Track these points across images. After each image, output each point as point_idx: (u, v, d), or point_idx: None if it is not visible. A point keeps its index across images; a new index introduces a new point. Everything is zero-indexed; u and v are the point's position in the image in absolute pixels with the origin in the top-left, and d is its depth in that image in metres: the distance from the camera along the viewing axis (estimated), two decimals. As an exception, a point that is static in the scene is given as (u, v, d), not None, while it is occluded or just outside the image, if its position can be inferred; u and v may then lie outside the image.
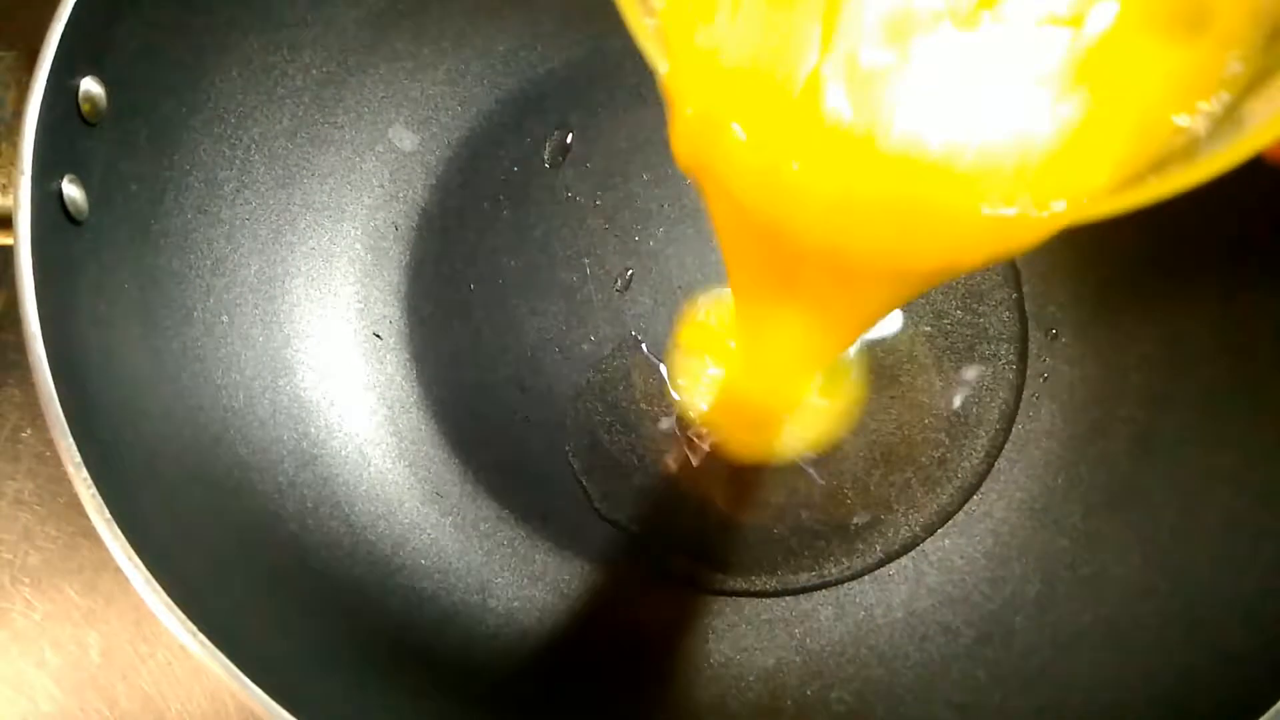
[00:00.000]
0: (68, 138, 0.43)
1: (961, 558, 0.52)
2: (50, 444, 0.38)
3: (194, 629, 0.35)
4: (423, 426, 0.55)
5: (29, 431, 0.60)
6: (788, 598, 0.52)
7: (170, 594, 0.36)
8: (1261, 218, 0.47)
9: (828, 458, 0.54)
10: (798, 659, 0.51)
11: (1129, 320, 0.53)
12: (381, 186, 0.59)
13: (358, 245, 0.57)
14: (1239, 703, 0.37)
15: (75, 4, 0.42)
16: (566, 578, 0.52)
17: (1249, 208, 0.45)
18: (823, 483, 0.54)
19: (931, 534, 0.53)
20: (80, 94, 0.44)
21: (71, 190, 0.43)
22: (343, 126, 0.58)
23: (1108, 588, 0.48)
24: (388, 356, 0.56)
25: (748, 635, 0.51)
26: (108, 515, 0.37)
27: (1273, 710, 0.36)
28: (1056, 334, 0.55)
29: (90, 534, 0.41)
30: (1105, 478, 0.51)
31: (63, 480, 0.51)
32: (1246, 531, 0.45)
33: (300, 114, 0.56)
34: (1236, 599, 0.43)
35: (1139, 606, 0.46)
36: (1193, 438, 0.49)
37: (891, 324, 0.56)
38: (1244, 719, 0.36)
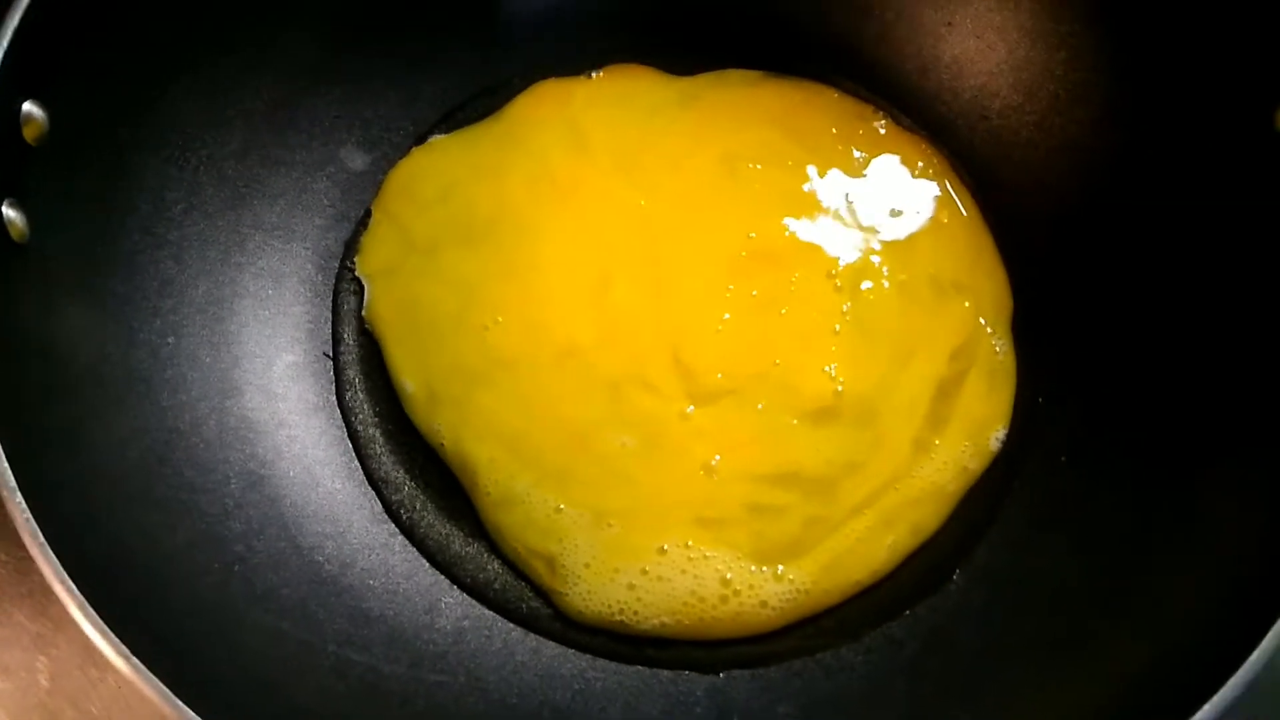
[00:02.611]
0: (8, 160, 0.43)
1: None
2: (-7, 466, 0.38)
3: (128, 652, 0.35)
4: (373, 446, 0.55)
5: (-26, 454, 0.59)
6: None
7: (105, 617, 0.36)
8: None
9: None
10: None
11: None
12: (333, 206, 0.59)
13: (308, 265, 0.57)
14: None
15: (16, 27, 0.43)
16: (515, 597, 0.52)
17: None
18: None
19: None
20: (21, 116, 0.44)
21: (11, 213, 0.43)
22: (294, 147, 0.58)
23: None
24: (338, 376, 0.56)
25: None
26: (41, 539, 0.36)
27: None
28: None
29: (40, 557, 0.41)
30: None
31: (9, 503, 0.51)
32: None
33: (251, 135, 0.56)
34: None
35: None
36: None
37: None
38: None
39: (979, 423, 0.55)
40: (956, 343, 0.56)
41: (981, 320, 0.57)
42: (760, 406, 0.54)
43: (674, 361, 0.55)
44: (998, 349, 0.56)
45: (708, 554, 0.51)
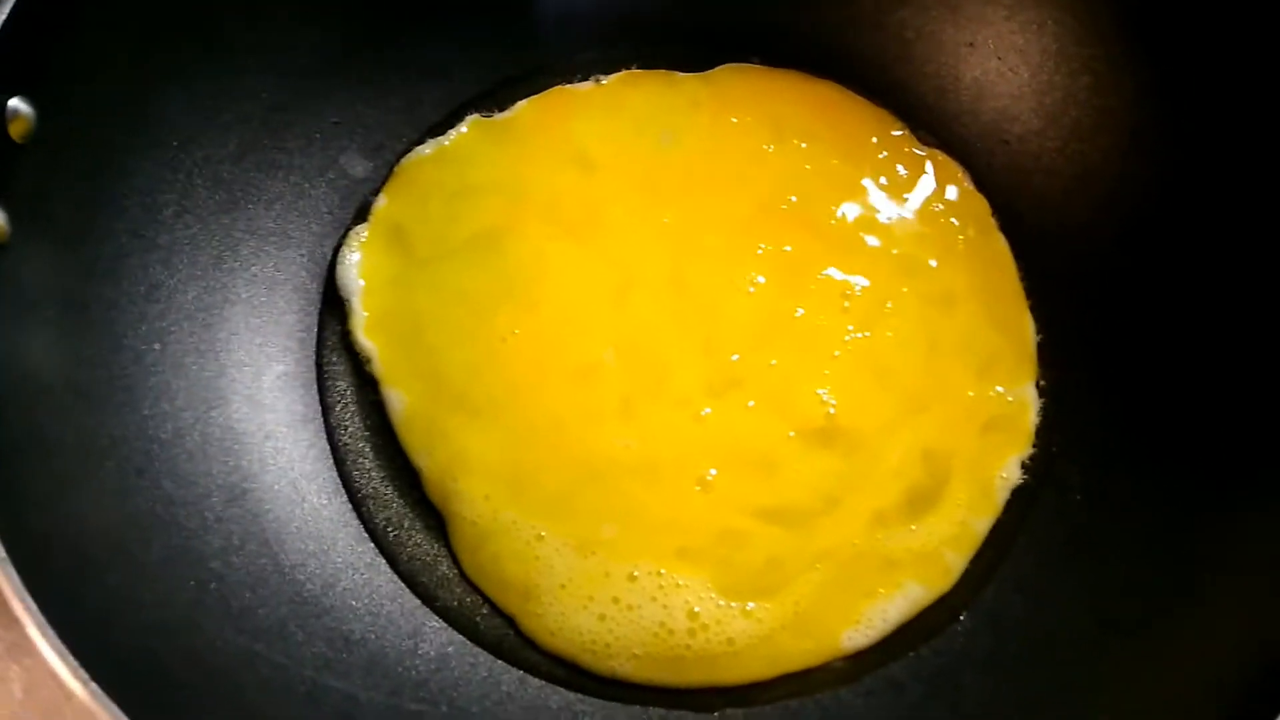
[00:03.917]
0: (-9, 158, 0.42)
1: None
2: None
3: (86, 676, 0.34)
4: (361, 460, 0.53)
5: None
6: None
7: (66, 639, 0.35)
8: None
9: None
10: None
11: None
12: (330, 213, 0.57)
13: (303, 273, 0.56)
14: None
15: (4, 21, 0.41)
16: (502, 624, 0.51)
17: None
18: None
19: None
20: (7, 113, 0.42)
21: (-8, 211, 0.42)
22: (292, 152, 0.56)
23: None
24: (328, 387, 0.55)
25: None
26: (2, 553, 0.35)
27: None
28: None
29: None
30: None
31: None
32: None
33: (248, 138, 0.55)
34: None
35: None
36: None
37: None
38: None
39: (983, 477, 0.53)
40: (968, 393, 0.55)
41: (999, 386, 0.55)
42: (755, 405, 0.53)
43: (704, 345, 0.54)
44: (1010, 398, 0.55)
45: (680, 582, 0.50)
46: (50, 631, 0.34)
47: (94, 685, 0.34)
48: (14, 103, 0.43)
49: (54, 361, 0.44)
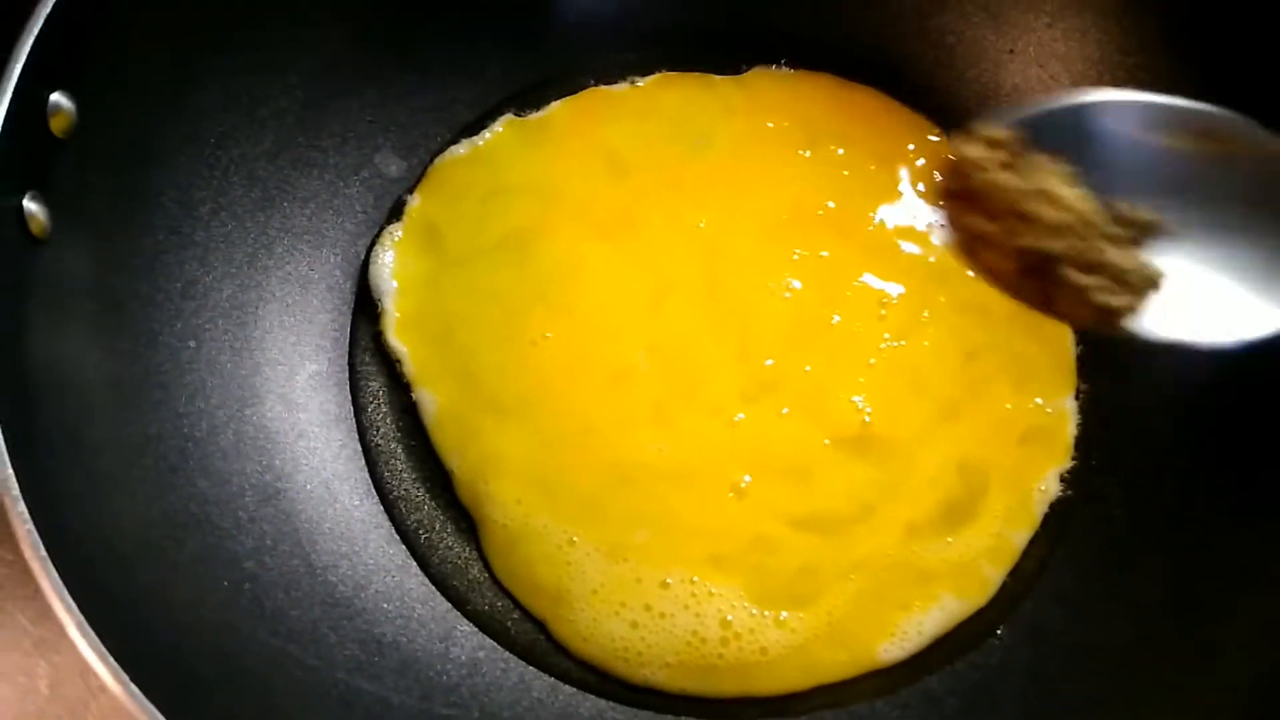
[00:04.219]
0: (33, 153, 0.42)
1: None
2: (0, 466, 0.36)
3: (125, 677, 0.33)
4: (393, 461, 0.53)
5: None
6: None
7: (103, 637, 0.34)
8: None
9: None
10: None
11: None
12: (364, 212, 0.57)
13: (337, 271, 0.56)
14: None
15: (48, 15, 0.41)
16: (533, 629, 0.50)
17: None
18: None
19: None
20: (49, 108, 0.42)
21: (33, 207, 0.41)
22: (327, 150, 0.56)
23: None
24: (360, 387, 0.54)
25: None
26: (43, 552, 0.35)
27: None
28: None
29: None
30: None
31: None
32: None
33: (283, 135, 0.54)
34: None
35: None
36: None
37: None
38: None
39: (1021, 489, 0.52)
40: (1006, 405, 0.54)
41: (1037, 398, 0.54)
42: (789, 412, 0.53)
43: (739, 350, 0.54)
44: (1049, 409, 0.54)
45: (712, 590, 0.49)
46: (88, 629, 0.34)
47: (131, 685, 0.33)
48: (55, 97, 0.42)
49: (90, 358, 0.44)
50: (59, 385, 0.42)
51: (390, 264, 0.56)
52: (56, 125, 0.43)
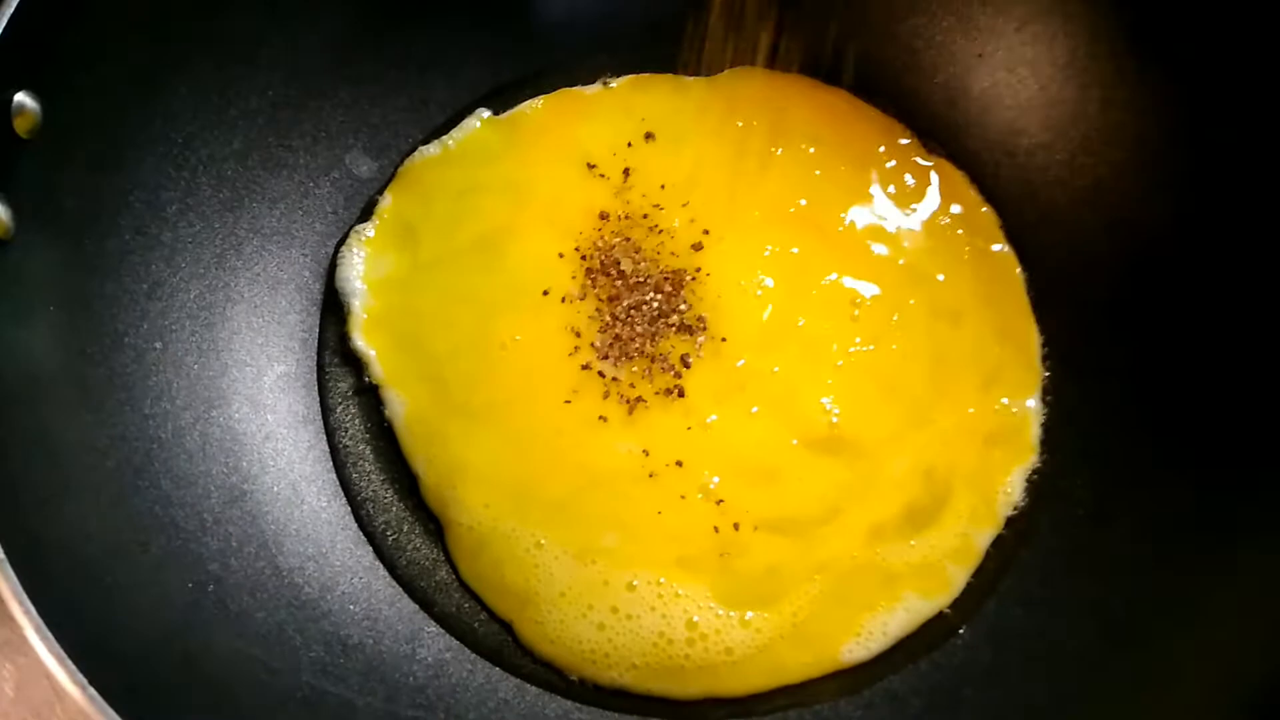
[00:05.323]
0: (-4, 153, 0.42)
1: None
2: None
3: (84, 681, 0.33)
4: (361, 463, 0.53)
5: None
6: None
7: (63, 641, 0.34)
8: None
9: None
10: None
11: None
12: (335, 213, 0.57)
13: (306, 273, 0.56)
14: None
15: (12, 15, 0.41)
16: (500, 630, 0.50)
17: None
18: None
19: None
20: (13, 107, 0.42)
21: (-4, 207, 0.41)
22: (297, 150, 0.56)
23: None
24: (329, 388, 0.54)
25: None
26: (1, 554, 0.34)
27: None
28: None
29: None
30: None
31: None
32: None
33: (253, 136, 0.54)
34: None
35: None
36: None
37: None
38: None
39: (985, 490, 0.53)
40: (970, 408, 0.54)
41: (1003, 398, 0.55)
42: (758, 412, 0.53)
43: (711, 350, 0.54)
44: (1014, 409, 0.54)
45: (679, 591, 0.50)
46: (47, 633, 0.34)
47: (90, 689, 0.33)
48: (20, 97, 0.42)
49: (55, 358, 0.44)
50: (22, 385, 0.42)
51: (359, 265, 0.56)
52: (21, 125, 0.43)
